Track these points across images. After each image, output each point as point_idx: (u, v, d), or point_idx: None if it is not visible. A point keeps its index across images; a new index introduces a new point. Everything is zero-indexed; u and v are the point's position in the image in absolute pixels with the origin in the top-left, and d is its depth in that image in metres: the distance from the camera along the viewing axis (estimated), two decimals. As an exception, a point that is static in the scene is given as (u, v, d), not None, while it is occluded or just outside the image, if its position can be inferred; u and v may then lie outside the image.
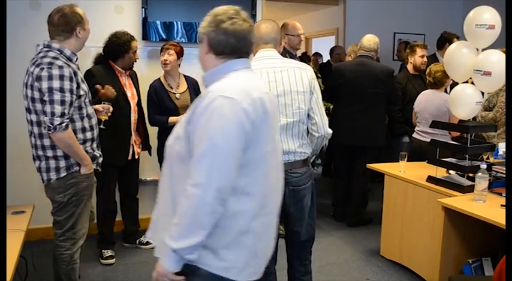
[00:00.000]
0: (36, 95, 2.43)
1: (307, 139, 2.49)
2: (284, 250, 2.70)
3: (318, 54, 7.78)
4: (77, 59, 2.62)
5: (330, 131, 2.52)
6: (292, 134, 2.40)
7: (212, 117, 1.46)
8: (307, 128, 2.48)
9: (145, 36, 4.07)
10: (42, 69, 2.41)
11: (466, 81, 3.41)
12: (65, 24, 2.50)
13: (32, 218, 2.85)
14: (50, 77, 2.39)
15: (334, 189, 4.87)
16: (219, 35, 1.57)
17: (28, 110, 2.53)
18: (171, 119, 3.63)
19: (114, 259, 3.61)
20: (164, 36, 4.10)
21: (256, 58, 2.46)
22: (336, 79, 4.44)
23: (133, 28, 3.95)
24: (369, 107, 4.37)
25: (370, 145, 4.44)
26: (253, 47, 1.69)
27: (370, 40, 4.49)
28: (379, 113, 4.45)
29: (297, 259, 2.64)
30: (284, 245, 2.70)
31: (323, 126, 2.47)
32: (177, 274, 1.54)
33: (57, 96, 2.39)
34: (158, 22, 4.08)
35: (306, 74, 2.42)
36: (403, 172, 3.60)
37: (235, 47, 1.59)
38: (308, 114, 2.45)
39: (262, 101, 1.53)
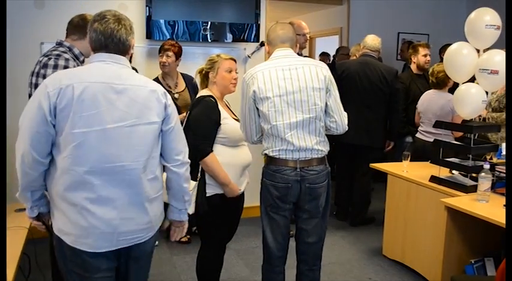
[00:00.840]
0: (40, 81, 2.58)
1: (325, 136, 2.50)
2: (293, 250, 2.66)
3: (325, 54, 7.66)
4: (83, 60, 2.78)
5: (347, 127, 2.55)
6: (309, 131, 2.40)
7: (31, 99, 1.80)
8: (326, 125, 2.49)
9: (149, 35, 4.07)
10: (49, 58, 2.61)
11: (470, 81, 3.41)
12: (82, 26, 2.70)
13: (35, 216, 2.85)
14: (56, 66, 2.57)
15: (336, 188, 4.86)
16: (91, 33, 1.83)
17: (30, 96, 2.65)
18: None
19: None
20: (168, 35, 4.10)
21: (272, 58, 2.48)
22: (339, 76, 4.43)
23: (137, 27, 3.89)
24: (372, 107, 4.38)
25: (372, 145, 4.44)
26: (125, 44, 1.87)
27: (374, 39, 4.52)
28: (381, 113, 4.45)
29: (305, 263, 2.61)
30: (294, 246, 2.66)
31: (342, 125, 2.51)
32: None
33: None
34: (162, 21, 4.09)
35: (321, 71, 2.43)
36: (406, 172, 3.60)
37: (102, 43, 1.82)
38: (328, 112, 2.46)
39: (73, 88, 1.72)
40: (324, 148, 2.48)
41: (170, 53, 3.72)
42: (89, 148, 1.74)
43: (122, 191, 1.82)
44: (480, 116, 3.82)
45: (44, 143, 1.75)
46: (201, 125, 2.58)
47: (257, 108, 2.44)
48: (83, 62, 2.80)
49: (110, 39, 1.82)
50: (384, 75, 4.36)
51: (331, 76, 2.47)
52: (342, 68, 4.52)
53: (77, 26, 2.75)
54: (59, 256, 1.90)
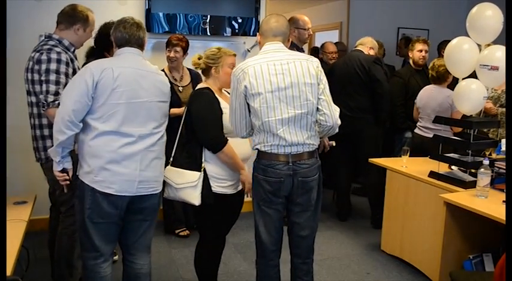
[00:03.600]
0: (36, 77, 2.65)
1: (316, 130, 2.47)
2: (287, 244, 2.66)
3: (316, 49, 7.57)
4: (74, 50, 2.84)
5: (339, 121, 2.49)
6: (301, 126, 2.39)
7: (75, 77, 2.36)
8: (317, 119, 2.45)
9: (148, 28, 4.04)
10: (41, 53, 2.65)
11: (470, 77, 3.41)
12: (70, 15, 2.79)
13: (33, 209, 2.85)
14: (49, 60, 2.62)
15: (336, 191, 4.80)
16: (117, 33, 2.42)
17: (28, 92, 2.75)
18: (172, 110, 3.64)
19: (116, 256, 3.36)
20: (167, 28, 4.09)
21: (262, 51, 2.45)
22: (328, 76, 4.43)
23: (136, 20, 3.94)
24: (353, 95, 4.38)
25: (358, 132, 4.39)
26: (142, 41, 2.45)
27: (365, 37, 4.61)
28: (365, 101, 4.39)
29: (298, 257, 2.61)
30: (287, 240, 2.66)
31: (332, 117, 2.44)
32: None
33: (52, 76, 2.61)
34: (161, 14, 4.07)
35: (312, 65, 2.41)
36: (405, 167, 3.60)
37: (127, 40, 2.40)
38: (317, 107, 2.43)
39: (112, 71, 2.27)
40: (315, 142, 2.47)
41: (178, 48, 3.75)
42: (122, 116, 2.28)
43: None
44: (491, 113, 3.82)
45: (82, 110, 2.26)
46: (211, 116, 2.58)
47: (247, 104, 2.42)
48: (73, 52, 2.83)
49: (132, 37, 2.40)
50: (361, 62, 4.35)
51: (322, 70, 2.45)
52: (330, 68, 4.61)
53: (65, 15, 2.78)
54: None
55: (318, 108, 2.43)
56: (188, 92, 3.81)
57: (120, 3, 4.04)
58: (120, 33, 2.40)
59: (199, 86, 2.75)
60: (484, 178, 2.87)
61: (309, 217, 2.53)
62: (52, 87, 2.59)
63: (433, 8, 6.66)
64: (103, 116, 2.27)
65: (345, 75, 4.39)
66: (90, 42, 3.31)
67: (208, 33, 4.24)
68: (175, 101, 3.70)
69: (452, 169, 3.37)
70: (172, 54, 3.75)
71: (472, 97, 3.34)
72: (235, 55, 2.72)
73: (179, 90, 3.78)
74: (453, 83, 3.88)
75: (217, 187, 2.61)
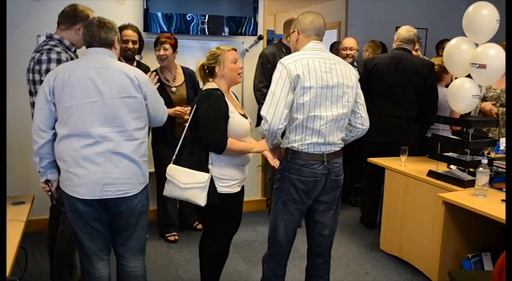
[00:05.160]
0: (37, 77, 2.65)
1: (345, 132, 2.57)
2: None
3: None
4: (75, 50, 2.83)
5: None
6: (338, 127, 2.45)
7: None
8: (351, 123, 2.56)
9: (147, 28, 4.05)
10: (42, 53, 2.65)
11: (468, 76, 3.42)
12: (71, 15, 2.79)
13: (31, 210, 2.84)
14: (49, 60, 2.63)
15: (363, 196, 4.63)
16: (84, 35, 2.40)
17: (30, 93, 2.74)
18: None
19: None
20: (165, 28, 4.08)
21: (310, 48, 2.45)
22: (369, 71, 4.14)
23: (134, 19, 3.94)
24: (403, 103, 4.03)
25: (403, 143, 3.75)
26: (106, 40, 2.35)
27: (409, 31, 4.11)
28: (414, 110, 4.05)
29: (320, 256, 2.63)
30: (298, 239, 2.68)
31: (367, 120, 2.57)
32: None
33: None
34: (159, 13, 4.06)
35: (351, 70, 2.51)
36: (404, 166, 3.59)
37: (88, 41, 2.38)
38: (353, 110, 2.52)
39: (64, 73, 2.26)
40: (342, 142, 2.54)
41: (167, 46, 3.68)
42: (76, 117, 2.23)
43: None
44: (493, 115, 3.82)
45: (47, 117, 2.29)
46: (215, 119, 2.56)
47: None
48: (74, 52, 2.83)
49: (93, 38, 2.35)
50: (417, 68, 3.96)
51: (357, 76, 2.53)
52: (372, 62, 4.18)
53: (66, 15, 2.79)
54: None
55: (354, 111, 2.52)
56: (182, 92, 3.77)
57: (118, 3, 4.03)
58: (83, 36, 2.40)
59: (208, 86, 2.67)
60: (482, 177, 2.87)
61: (332, 216, 2.58)
62: None
63: (431, 7, 6.67)
64: (62, 120, 2.26)
65: (394, 80, 4.01)
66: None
67: (207, 33, 4.23)
68: (167, 103, 3.68)
69: (451, 168, 3.37)
70: (161, 52, 3.68)
71: (462, 96, 3.35)
72: (234, 49, 2.71)
73: (172, 91, 3.72)
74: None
75: (221, 187, 2.61)
